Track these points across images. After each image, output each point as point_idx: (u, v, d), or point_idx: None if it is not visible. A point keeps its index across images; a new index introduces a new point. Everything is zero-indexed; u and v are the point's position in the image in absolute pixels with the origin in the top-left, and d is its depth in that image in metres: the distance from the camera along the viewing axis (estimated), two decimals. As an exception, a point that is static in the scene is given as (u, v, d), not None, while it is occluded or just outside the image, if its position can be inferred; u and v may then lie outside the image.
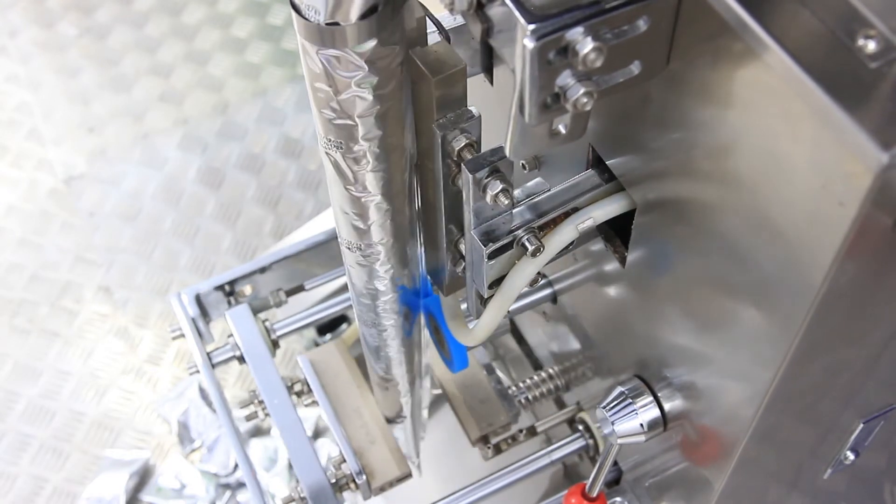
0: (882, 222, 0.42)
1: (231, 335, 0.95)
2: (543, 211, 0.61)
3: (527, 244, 0.60)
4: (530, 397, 0.93)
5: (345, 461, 0.88)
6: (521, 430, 0.91)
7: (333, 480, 0.86)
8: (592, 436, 0.88)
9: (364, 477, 0.87)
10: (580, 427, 0.89)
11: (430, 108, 0.54)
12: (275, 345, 0.96)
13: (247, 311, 0.96)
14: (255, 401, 0.92)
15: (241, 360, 0.94)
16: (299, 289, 1.03)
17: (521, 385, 0.94)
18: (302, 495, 0.86)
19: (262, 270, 1.00)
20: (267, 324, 0.96)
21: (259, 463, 1.63)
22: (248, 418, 0.92)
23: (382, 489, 0.89)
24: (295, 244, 1.02)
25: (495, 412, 0.91)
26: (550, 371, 0.94)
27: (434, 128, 0.54)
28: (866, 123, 0.38)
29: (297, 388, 0.94)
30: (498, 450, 0.91)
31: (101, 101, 2.13)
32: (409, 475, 0.89)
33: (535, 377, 0.94)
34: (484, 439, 0.91)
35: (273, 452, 1.64)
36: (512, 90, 0.46)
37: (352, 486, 0.87)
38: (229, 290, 1.00)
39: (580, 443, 0.88)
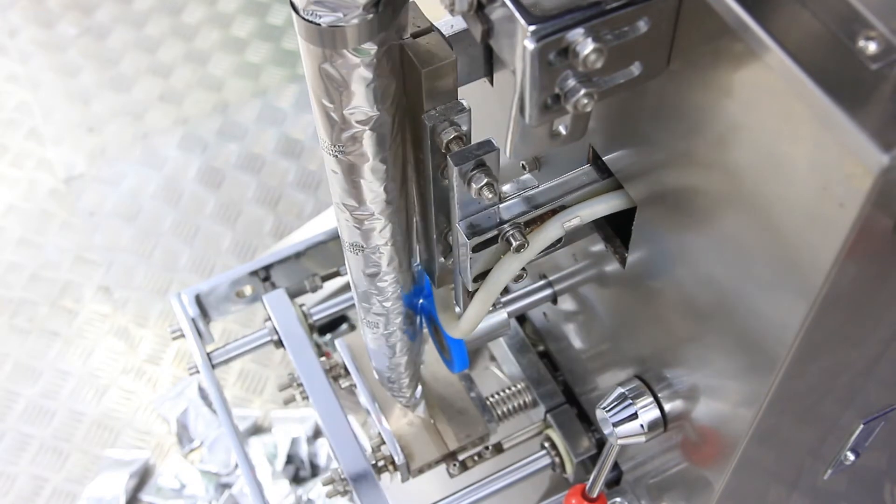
0: (883, 224, 0.42)
1: (268, 319, 0.95)
2: (530, 207, 0.61)
3: (511, 240, 0.60)
4: (507, 409, 0.92)
5: (384, 443, 0.88)
6: (486, 447, 0.90)
7: (373, 462, 0.86)
8: (559, 454, 0.88)
9: (403, 458, 0.87)
10: (545, 444, 0.89)
11: (420, 99, 0.54)
12: (312, 329, 0.96)
13: (283, 295, 0.96)
14: (294, 384, 0.92)
15: (279, 343, 0.94)
16: (335, 274, 1.03)
17: (496, 396, 0.92)
18: (342, 476, 0.85)
19: (298, 256, 1.01)
20: (304, 308, 0.96)
21: (259, 462, 1.63)
22: (286, 401, 0.92)
23: (421, 471, 0.88)
24: (322, 233, 1.02)
25: (473, 423, 0.90)
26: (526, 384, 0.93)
27: (423, 119, 0.54)
28: (867, 125, 0.38)
29: (335, 371, 0.94)
30: (465, 466, 0.90)
31: (100, 101, 2.13)
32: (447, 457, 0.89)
33: (512, 388, 0.93)
34: (456, 453, 0.90)
35: (272, 451, 1.64)
36: (512, 91, 0.46)
37: (390, 467, 0.87)
38: (264, 276, 1.00)
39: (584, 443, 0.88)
